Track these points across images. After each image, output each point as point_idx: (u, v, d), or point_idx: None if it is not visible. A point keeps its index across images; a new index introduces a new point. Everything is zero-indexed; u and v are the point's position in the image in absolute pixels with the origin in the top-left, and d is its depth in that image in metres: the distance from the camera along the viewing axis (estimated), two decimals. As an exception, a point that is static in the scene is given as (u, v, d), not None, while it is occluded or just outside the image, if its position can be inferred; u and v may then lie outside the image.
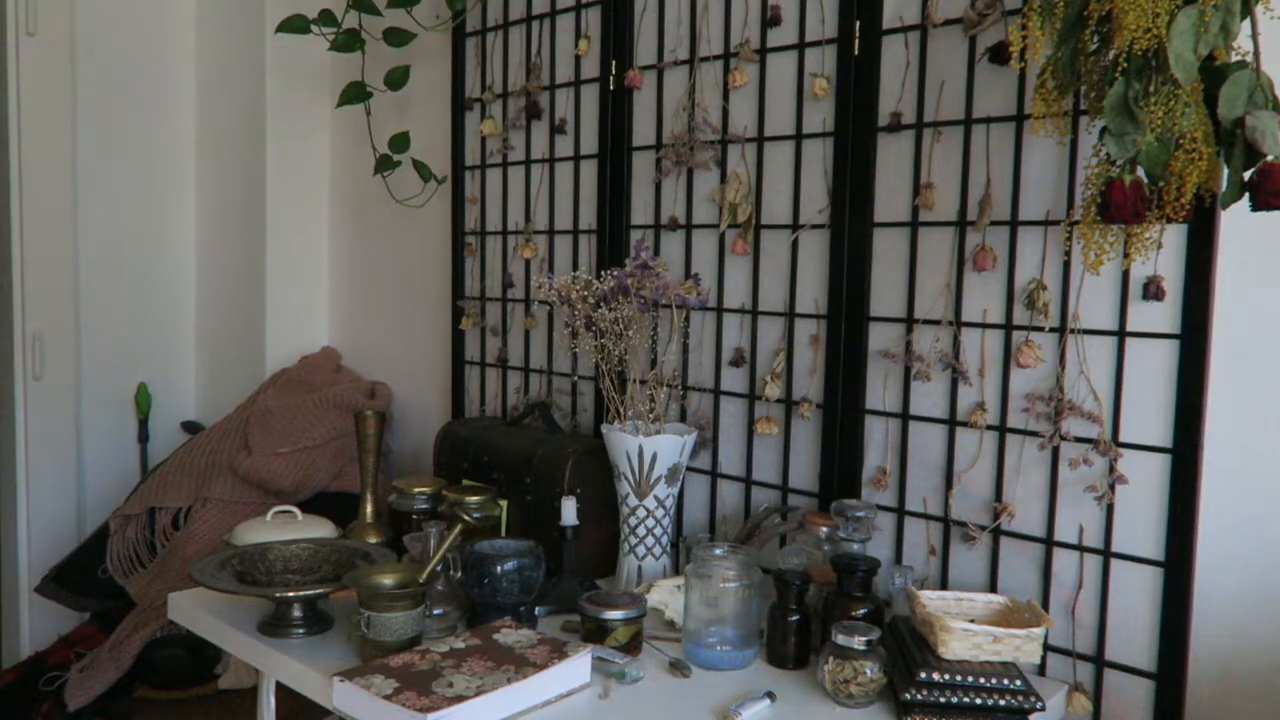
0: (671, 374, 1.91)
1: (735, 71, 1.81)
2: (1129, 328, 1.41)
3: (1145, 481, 1.41)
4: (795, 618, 1.44)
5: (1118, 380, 1.43)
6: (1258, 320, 1.34)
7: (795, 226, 1.75)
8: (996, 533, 1.54)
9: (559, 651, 1.34)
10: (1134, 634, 1.43)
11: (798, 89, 1.74)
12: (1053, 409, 1.48)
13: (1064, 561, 1.49)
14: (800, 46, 1.73)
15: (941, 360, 1.59)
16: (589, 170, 2.08)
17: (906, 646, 1.36)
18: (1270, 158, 1.12)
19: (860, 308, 1.67)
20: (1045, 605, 1.49)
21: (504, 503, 1.85)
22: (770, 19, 1.77)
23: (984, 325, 1.55)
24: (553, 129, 2.15)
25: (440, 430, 2.18)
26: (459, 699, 1.20)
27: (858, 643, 1.31)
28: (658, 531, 1.74)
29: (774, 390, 1.78)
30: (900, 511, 1.65)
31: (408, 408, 2.62)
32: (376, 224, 2.67)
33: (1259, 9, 1.14)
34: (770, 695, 1.33)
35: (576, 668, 1.33)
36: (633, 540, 1.75)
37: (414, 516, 1.89)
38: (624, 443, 1.71)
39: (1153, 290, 1.38)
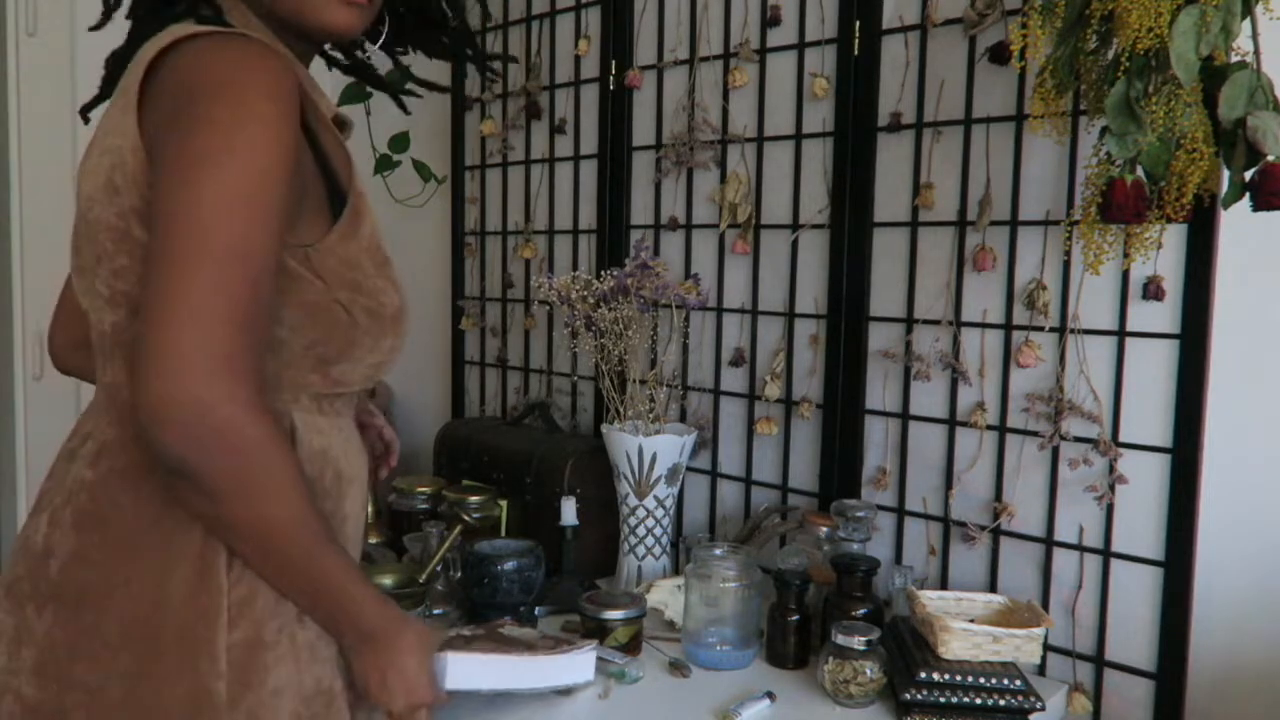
0: (671, 374, 1.91)
1: (735, 71, 1.81)
2: (1129, 328, 1.41)
3: (1145, 481, 1.41)
4: (795, 618, 1.44)
5: (1118, 380, 1.43)
6: (1257, 320, 1.34)
7: (795, 226, 1.75)
8: (996, 533, 1.54)
9: (566, 643, 1.33)
10: (1134, 634, 1.43)
11: (797, 89, 1.74)
12: (1053, 409, 1.48)
13: (1064, 561, 1.49)
14: (800, 46, 1.73)
15: (941, 360, 1.59)
16: (589, 170, 2.08)
17: (906, 646, 1.36)
18: (1271, 158, 1.12)
19: (860, 308, 1.67)
20: (1045, 605, 1.49)
21: (504, 503, 1.85)
22: (770, 19, 1.76)
23: (984, 325, 1.55)
24: (553, 129, 2.15)
25: (440, 430, 2.18)
26: (469, 650, 1.17)
27: (858, 643, 1.31)
28: (657, 531, 1.75)
29: (774, 390, 1.78)
30: (900, 511, 1.65)
31: (408, 408, 2.62)
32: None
33: (1259, 9, 1.14)
34: (770, 695, 1.33)
35: (583, 661, 1.31)
36: (633, 540, 1.75)
37: (414, 516, 1.89)
38: (624, 443, 1.71)
39: (1153, 290, 1.38)
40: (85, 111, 1.04)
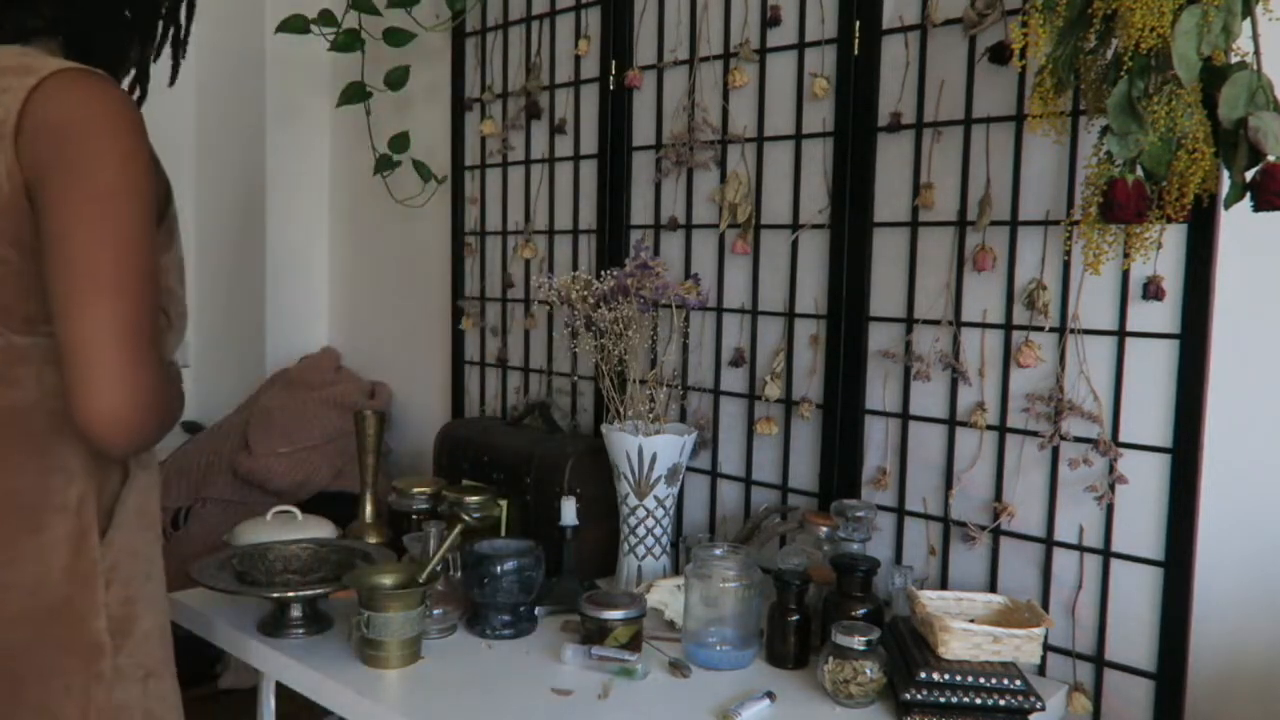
0: (671, 374, 1.91)
1: (735, 71, 1.81)
2: (1129, 328, 1.41)
3: (1145, 481, 1.41)
4: (795, 618, 1.44)
5: (1118, 380, 1.43)
6: (1258, 320, 1.34)
7: (795, 226, 1.75)
8: (996, 533, 1.54)
9: None
10: (1134, 634, 1.43)
11: (797, 89, 1.74)
12: (1053, 409, 1.48)
13: (1064, 561, 1.49)
14: (800, 46, 1.73)
15: (941, 360, 1.59)
16: (589, 170, 2.08)
17: (906, 646, 1.36)
18: (1272, 158, 1.11)
19: (860, 308, 1.67)
20: (1045, 605, 1.49)
21: (504, 503, 1.85)
22: (770, 19, 1.76)
23: (984, 325, 1.55)
24: (553, 129, 2.15)
25: (440, 430, 2.18)
26: None
27: (857, 643, 1.31)
28: (657, 531, 1.74)
29: (774, 390, 1.78)
30: (900, 511, 1.65)
31: (408, 408, 2.62)
32: (376, 224, 2.67)
33: (1259, 9, 1.14)
34: (770, 695, 1.33)
35: None
36: (633, 540, 1.75)
37: (414, 516, 1.89)
38: (624, 443, 1.71)
39: (1153, 290, 1.38)
40: None
